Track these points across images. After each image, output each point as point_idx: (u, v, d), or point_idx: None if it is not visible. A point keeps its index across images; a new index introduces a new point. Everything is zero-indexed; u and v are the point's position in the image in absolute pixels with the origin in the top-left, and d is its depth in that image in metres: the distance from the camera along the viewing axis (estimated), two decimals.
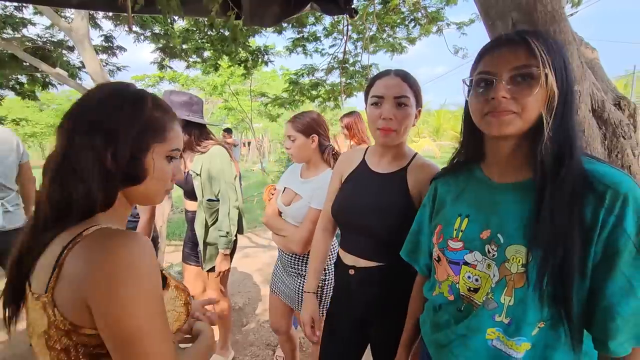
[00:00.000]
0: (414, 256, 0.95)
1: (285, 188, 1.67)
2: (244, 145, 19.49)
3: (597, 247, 0.59)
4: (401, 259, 1.04)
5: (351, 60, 5.59)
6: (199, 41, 4.45)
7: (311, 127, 1.55)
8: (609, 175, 0.60)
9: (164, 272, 0.66)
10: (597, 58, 1.16)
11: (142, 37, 3.88)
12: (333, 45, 5.73)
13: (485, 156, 0.78)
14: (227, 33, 4.18)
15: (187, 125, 1.78)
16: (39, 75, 3.82)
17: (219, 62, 5.10)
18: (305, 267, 1.57)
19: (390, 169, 1.12)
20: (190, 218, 1.98)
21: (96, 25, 3.68)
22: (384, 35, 5.42)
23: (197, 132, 1.84)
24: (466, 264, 0.73)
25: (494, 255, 0.68)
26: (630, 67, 11.47)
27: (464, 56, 5.10)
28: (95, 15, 3.62)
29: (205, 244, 1.91)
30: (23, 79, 4.03)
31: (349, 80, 5.64)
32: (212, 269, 1.95)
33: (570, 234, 0.59)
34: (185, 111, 1.77)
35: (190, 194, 1.90)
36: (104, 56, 3.88)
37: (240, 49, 4.90)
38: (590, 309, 0.61)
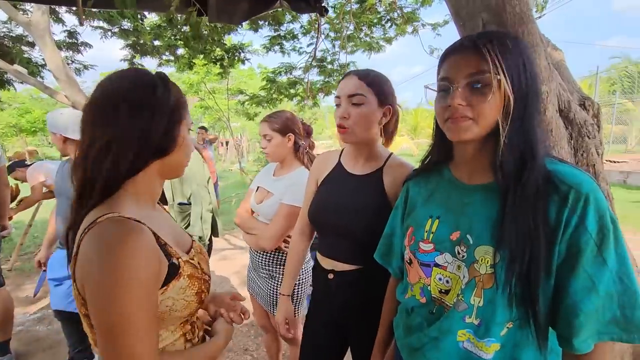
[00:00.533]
0: (387, 259, 0.94)
1: (258, 187, 1.66)
2: (222, 144, 19.14)
3: (561, 246, 0.60)
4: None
5: (329, 59, 5.58)
6: (172, 38, 4.30)
7: (287, 126, 1.55)
8: (572, 176, 0.61)
9: (180, 260, 0.69)
10: (563, 59, 1.19)
11: (109, 33, 3.70)
12: (311, 44, 5.70)
13: (454, 158, 0.78)
14: (203, 31, 4.07)
15: None
16: None
17: (193, 60, 4.97)
18: (277, 267, 1.55)
19: (366, 170, 1.11)
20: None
21: (59, 20, 3.48)
22: (361, 35, 5.44)
23: None
24: (437, 265, 0.73)
25: (463, 256, 0.68)
26: (594, 68, 12.06)
27: (439, 56, 5.20)
28: (57, 9, 3.42)
29: None
30: None
31: (327, 79, 5.63)
32: None
33: (535, 234, 0.60)
34: None
35: (159, 198, 1.82)
36: (68, 53, 3.67)
37: (216, 47, 4.79)
38: (555, 306, 0.62)
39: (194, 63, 5.17)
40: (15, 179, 3.20)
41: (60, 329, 2.65)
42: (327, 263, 1.16)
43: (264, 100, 5.63)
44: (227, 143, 19.21)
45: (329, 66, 5.53)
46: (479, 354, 0.66)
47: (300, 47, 5.82)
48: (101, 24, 3.58)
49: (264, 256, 1.58)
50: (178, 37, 4.24)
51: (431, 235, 0.75)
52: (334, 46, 5.55)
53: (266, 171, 1.73)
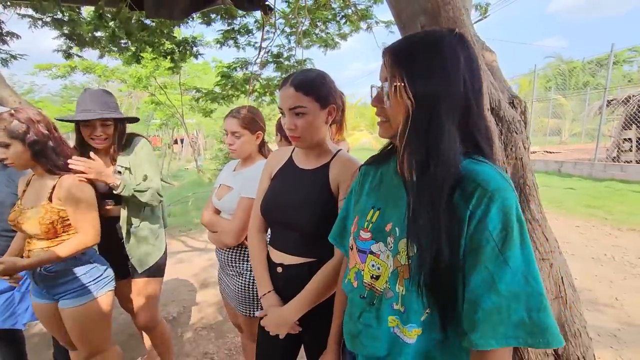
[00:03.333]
0: (340, 240, 0.97)
1: (220, 185, 1.66)
2: (175, 142, 18.29)
3: (466, 241, 0.62)
4: (329, 254, 1.07)
5: (285, 55, 5.53)
6: (116, 29, 4.00)
7: (257, 123, 1.57)
8: (482, 174, 0.63)
9: None
10: (496, 60, 1.28)
11: (39, 22, 3.36)
12: (266, 39, 5.60)
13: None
14: (147, 21, 3.83)
15: (123, 127, 1.72)
16: None
17: (140, 53, 4.67)
18: (243, 264, 1.54)
19: (315, 165, 1.15)
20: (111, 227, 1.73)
21: None
22: (317, 31, 5.45)
23: (126, 133, 1.76)
24: (372, 253, 0.76)
25: (391, 247, 0.72)
26: (532, 66, 13.12)
27: None
28: None
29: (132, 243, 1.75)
30: None
31: (284, 75, 5.58)
32: (144, 273, 1.78)
33: (437, 230, 0.62)
34: (117, 110, 1.69)
35: (110, 195, 1.66)
36: None
37: (165, 40, 4.54)
38: (461, 300, 0.64)
39: (142, 56, 4.87)
40: None
41: None
42: (276, 256, 1.18)
43: (220, 97, 5.46)
44: (182, 140, 18.41)
45: (286, 62, 5.49)
46: (404, 339, 0.70)
47: (256, 42, 5.69)
48: (30, 12, 3.24)
49: (230, 254, 1.56)
50: (121, 27, 3.96)
51: (370, 225, 0.78)
52: (289, 41, 5.51)
53: (227, 168, 1.73)
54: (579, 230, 4.93)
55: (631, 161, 8.65)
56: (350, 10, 5.00)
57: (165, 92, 10.26)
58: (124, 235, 1.70)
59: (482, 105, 0.69)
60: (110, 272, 1.61)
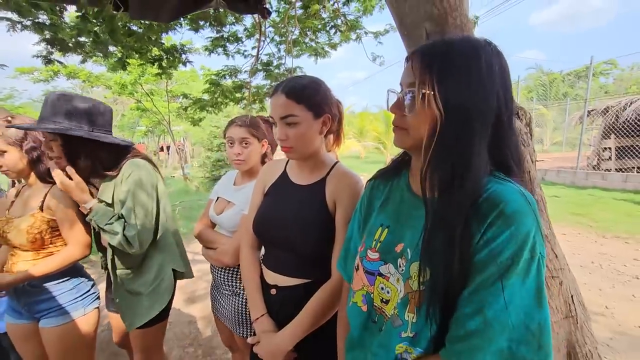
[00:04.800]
0: (344, 264, 0.91)
1: (218, 198, 1.56)
2: (162, 149, 17.98)
3: (470, 262, 0.58)
4: (327, 275, 1.01)
5: (275, 63, 5.50)
6: (100, 34, 3.89)
7: (263, 131, 1.50)
8: (501, 195, 0.58)
9: None
10: None
11: (18, 25, 3.22)
12: (255, 47, 5.56)
13: (411, 166, 0.77)
14: (134, 27, 3.73)
15: (90, 146, 1.31)
16: None
17: (127, 59, 4.56)
18: (239, 283, 1.44)
19: (310, 181, 1.08)
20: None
21: None
22: (307, 40, 5.45)
23: (106, 155, 1.36)
24: (380, 275, 0.71)
25: (402, 270, 0.67)
26: (515, 77, 13.54)
27: (381, 63, 5.40)
28: None
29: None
30: None
31: (274, 83, 5.55)
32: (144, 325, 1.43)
33: (451, 253, 0.57)
34: (86, 124, 1.31)
35: None
36: None
37: (152, 46, 4.45)
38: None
39: (128, 62, 4.75)
40: None
41: None
42: (270, 277, 1.11)
43: (209, 104, 5.37)
44: (168, 148, 18.11)
45: (275, 70, 5.46)
46: (407, 358, 0.66)
47: (245, 50, 5.66)
48: (9, 15, 3.10)
49: (226, 273, 1.46)
50: (106, 32, 3.85)
51: (378, 245, 0.73)
52: (279, 50, 5.48)
53: (226, 180, 1.62)
54: (565, 238, 5.00)
55: (611, 169, 8.92)
56: (339, 21, 5.02)
57: (151, 99, 10.09)
58: (112, 282, 1.41)
59: (513, 121, 0.63)
60: (97, 289, 1.51)
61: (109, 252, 1.36)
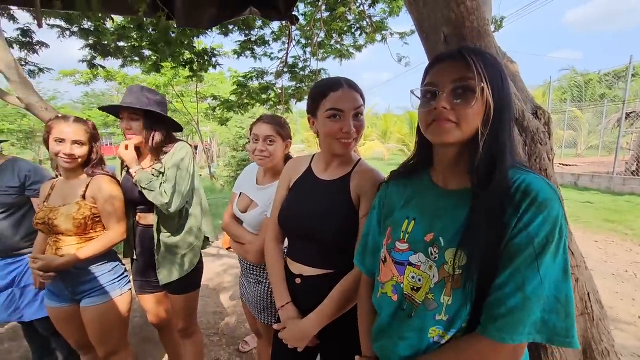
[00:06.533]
0: (361, 259, 0.96)
1: (241, 193, 1.62)
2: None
3: (505, 245, 0.64)
4: (350, 266, 1.05)
5: (301, 65, 5.62)
6: (138, 40, 4.15)
7: (288, 131, 1.54)
8: (531, 184, 0.65)
9: None
10: (518, 71, 1.28)
11: (67, 32, 3.50)
12: (282, 50, 5.71)
13: (434, 163, 0.82)
14: (172, 34, 3.95)
15: (160, 125, 1.65)
16: None
17: (161, 63, 4.82)
18: (263, 272, 1.52)
19: (335, 176, 1.13)
20: (146, 234, 1.68)
21: (10, 17, 3.25)
22: (332, 42, 5.53)
23: (168, 136, 1.70)
24: (411, 264, 0.76)
25: (435, 257, 0.71)
26: (546, 77, 12.96)
27: (407, 64, 5.39)
28: (8, 6, 3.19)
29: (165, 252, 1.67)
30: None
31: (299, 85, 5.67)
32: (176, 289, 1.70)
33: (492, 238, 0.64)
34: (160, 110, 1.64)
35: (145, 203, 1.63)
36: (22, 53, 3.43)
37: (184, 50, 4.67)
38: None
39: (162, 65, 5.01)
40: None
41: (11, 348, 2.47)
42: (295, 268, 1.16)
43: (236, 105, 5.56)
44: (196, 147, 18.73)
45: (301, 72, 5.57)
46: (441, 342, 0.71)
47: (272, 53, 5.82)
48: (59, 22, 3.38)
49: (252, 264, 1.55)
50: (145, 39, 4.10)
51: (407, 236, 0.78)
52: (305, 52, 5.60)
53: (248, 176, 1.65)
54: (597, 245, 4.78)
55: None
56: (365, 23, 5.07)
57: (182, 100, 10.49)
58: (155, 244, 1.65)
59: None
60: (128, 273, 1.66)
61: (155, 218, 1.63)
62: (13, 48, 3.37)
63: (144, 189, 1.54)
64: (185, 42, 4.27)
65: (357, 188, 1.08)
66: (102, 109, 1.72)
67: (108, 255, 1.56)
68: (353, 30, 5.27)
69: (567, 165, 12.17)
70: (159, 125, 1.64)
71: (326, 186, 1.13)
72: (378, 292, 0.84)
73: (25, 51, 3.39)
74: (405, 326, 0.75)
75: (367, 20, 4.95)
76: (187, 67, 4.99)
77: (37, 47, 3.41)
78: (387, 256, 0.81)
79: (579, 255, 1.08)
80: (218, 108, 5.81)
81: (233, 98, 5.73)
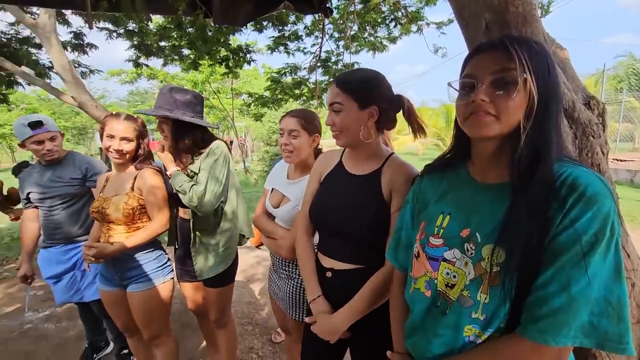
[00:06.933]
0: (394, 254, 0.95)
1: (272, 189, 1.62)
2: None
3: (550, 241, 0.61)
4: (380, 261, 1.04)
5: (333, 59, 5.60)
6: (177, 39, 4.34)
7: (316, 126, 1.50)
8: (580, 177, 0.61)
9: None
10: (568, 58, 1.19)
11: (114, 34, 3.73)
12: (315, 44, 5.72)
13: (471, 156, 0.79)
14: (208, 32, 4.09)
15: (191, 128, 1.60)
16: (3, 74, 3.61)
17: (198, 60, 5.00)
18: (295, 268, 1.53)
19: (365, 171, 1.12)
20: (184, 227, 1.75)
21: (64, 22, 3.52)
22: (365, 34, 5.44)
23: (200, 136, 1.64)
24: (445, 260, 0.73)
25: (471, 253, 0.69)
26: (600, 65, 11.93)
27: (444, 55, 5.19)
28: (63, 11, 3.46)
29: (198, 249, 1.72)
30: None
31: (331, 79, 5.65)
32: (210, 282, 1.74)
33: (533, 234, 0.61)
34: (190, 112, 1.60)
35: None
36: (74, 55, 3.72)
37: (220, 48, 4.81)
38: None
39: (200, 63, 5.21)
40: None
41: (68, 327, 2.71)
42: (326, 261, 1.16)
43: (270, 101, 5.65)
44: (231, 142, 19.33)
45: (334, 66, 5.55)
46: (477, 342, 0.69)
47: (305, 48, 5.84)
48: (107, 25, 3.61)
49: (284, 259, 1.56)
50: (184, 38, 4.27)
51: (441, 231, 0.76)
52: (338, 46, 5.56)
53: (279, 171, 1.65)
54: None
55: None
56: (400, 13, 4.93)
57: (218, 96, 10.84)
58: (191, 239, 1.70)
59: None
60: (171, 262, 1.74)
61: (191, 214, 1.65)
62: (67, 50, 3.65)
63: (178, 191, 1.57)
64: (221, 40, 4.39)
65: (389, 183, 1.05)
66: (137, 112, 1.78)
67: (153, 245, 1.65)
68: (387, 22, 5.15)
69: (622, 161, 11.17)
70: (187, 128, 1.59)
71: (357, 181, 1.12)
72: (411, 287, 0.83)
73: (77, 53, 3.65)
74: (439, 323, 0.73)
75: (402, 10, 4.82)
76: (223, 64, 5.15)
77: (88, 49, 3.67)
78: (420, 251, 0.79)
79: (636, 258, 0.99)
80: (253, 104, 5.94)
81: (267, 94, 5.83)
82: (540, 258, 0.61)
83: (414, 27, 5.03)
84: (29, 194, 1.92)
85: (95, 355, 2.26)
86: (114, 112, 1.66)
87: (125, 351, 2.15)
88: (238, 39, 6.41)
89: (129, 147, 1.58)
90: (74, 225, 1.94)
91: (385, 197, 1.05)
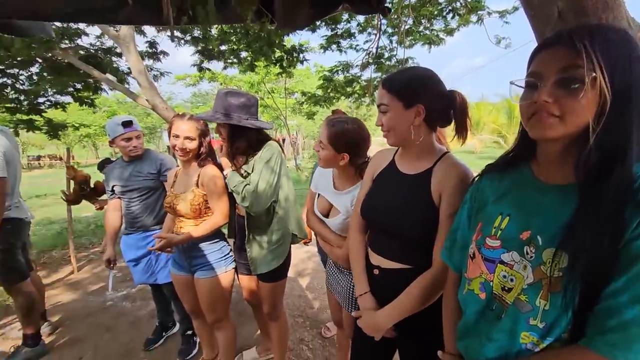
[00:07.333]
0: (449, 254, 0.93)
1: (319, 195, 1.62)
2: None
3: (622, 248, 0.56)
4: (428, 263, 1.03)
5: (386, 55, 5.50)
6: (236, 43, 4.59)
7: (345, 145, 1.41)
8: None
9: None
10: None
11: (182, 41, 4.07)
12: (367, 41, 5.67)
13: (536, 156, 0.75)
14: (262, 34, 4.27)
15: (245, 130, 1.66)
16: (91, 81, 4.13)
17: (255, 62, 5.24)
18: None
19: (417, 170, 1.10)
20: (240, 223, 1.86)
21: (141, 32, 3.92)
22: (420, 28, 5.27)
23: (255, 137, 1.70)
24: (502, 262, 0.70)
25: (531, 257, 0.65)
26: None
27: (507, 46, 4.83)
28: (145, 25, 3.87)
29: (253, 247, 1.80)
30: (78, 85, 4.38)
31: (384, 75, 5.56)
32: (263, 277, 1.83)
33: (604, 241, 0.56)
34: (244, 114, 1.66)
35: None
36: (149, 62, 4.15)
37: (275, 49, 4.99)
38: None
39: (256, 65, 5.45)
40: None
41: (142, 306, 3.03)
42: (374, 259, 1.17)
43: (322, 99, 5.73)
44: (283, 140, 19.92)
45: (387, 62, 5.45)
46: (535, 350, 0.65)
47: (357, 45, 5.81)
48: (177, 33, 3.97)
49: None
50: (242, 42, 4.51)
51: (499, 232, 0.73)
52: (391, 42, 5.46)
53: (324, 176, 1.63)
54: None
55: None
56: (458, 3, 4.69)
57: (272, 96, 11.24)
58: (246, 236, 1.79)
59: None
60: (232, 253, 1.87)
61: (246, 213, 1.74)
62: (143, 59, 4.06)
63: (232, 191, 1.66)
64: (277, 41, 4.56)
65: (439, 183, 1.03)
66: (197, 116, 1.84)
67: (217, 236, 1.79)
68: (444, 14, 4.94)
69: None
70: (241, 130, 1.65)
71: (407, 180, 1.11)
72: (464, 288, 0.81)
73: (152, 60, 4.05)
74: (493, 327, 0.70)
75: (461, 0, 4.58)
76: (278, 64, 5.33)
77: (160, 56, 4.04)
78: (475, 252, 0.77)
79: None
80: (305, 102, 6.07)
81: (319, 92, 5.92)
82: (610, 264, 0.56)
83: (473, 18, 4.75)
84: (113, 186, 2.19)
85: (164, 334, 2.50)
86: (179, 113, 1.79)
87: (190, 332, 2.35)
88: (292, 40, 6.57)
89: (192, 145, 1.70)
90: (149, 216, 2.17)
91: (434, 198, 1.03)
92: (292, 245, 1.87)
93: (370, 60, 5.29)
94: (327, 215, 1.57)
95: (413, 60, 5.40)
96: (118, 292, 3.31)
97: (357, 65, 5.59)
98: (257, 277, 1.87)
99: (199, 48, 4.46)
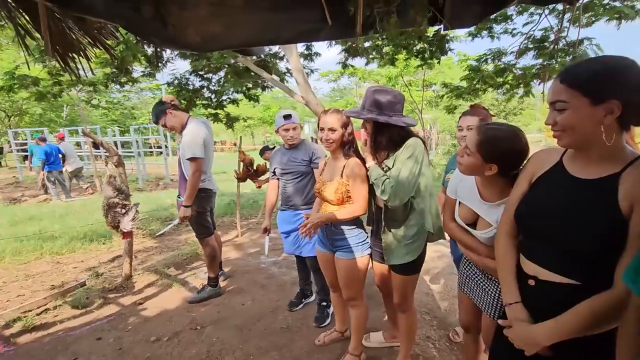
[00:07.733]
0: (634, 277, 0.80)
1: (460, 202, 1.53)
2: None
3: None
4: (601, 280, 0.90)
5: (551, 38, 4.67)
6: (379, 38, 4.72)
7: (496, 155, 1.28)
8: None
9: None
10: None
11: (333, 41, 4.46)
12: (528, 23, 4.93)
13: None
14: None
15: (389, 127, 1.73)
16: (259, 81, 4.99)
17: (396, 56, 5.27)
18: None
19: (597, 174, 0.96)
20: (378, 213, 1.95)
21: None
22: (606, 0, 4.27)
23: (397, 134, 1.76)
24: None
25: None
26: None
27: None
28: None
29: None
30: (249, 85, 5.37)
31: (547, 62, 4.74)
32: (396, 269, 1.87)
33: None
34: (390, 111, 1.73)
35: None
36: (304, 62, 4.72)
37: (417, 41, 4.89)
38: None
39: (396, 58, 5.46)
40: (265, 159, 4.40)
41: (286, 272, 3.57)
42: (529, 267, 1.08)
43: (466, 92, 5.31)
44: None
45: (551, 46, 4.63)
46: None
47: (514, 29, 5.13)
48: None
49: None
50: (384, 36, 4.60)
51: None
52: (561, 22, 4.59)
53: (466, 184, 1.50)
54: None
55: None
56: None
57: (409, 89, 11.02)
58: (382, 228, 1.86)
59: None
60: (369, 240, 2.02)
61: (383, 205, 1.83)
62: (300, 59, 4.65)
63: (373, 183, 1.76)
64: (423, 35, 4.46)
65: (630, 192, 0.88)
66: (346, 113, 1.98)
67: (355, 223, 1.97)
68: None
69: None
70: (385, 127, 1.73)
71: (582, 185, 0.98)
72: None
73: (306, 60, 4.59)
74: None
75: None
76: (419, 56, 5.19)
77: (314, 56, 4.54)
78: None
79: None
80: (446, 95, 5.74)
81: (463, 84, 5.50)
82: None
83: None
84: (274, 169, 2.65)
85: (303, 300, 2.91)
86: (326, 109, 2.01)
87: (324, 303, 2.67)
88: (434, 29, 6.28)
89: (334, 136, 1.88)
90: (299, 197, 2.55)
91: (622, 208, 0.88)
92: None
93: (531, 46, 4.61)
94: (470, 225, 1.49)
95: (590, 41, 4.42)
96: (269, 257, 3.97)
97: (511, 52, 4.95)
98: (389, 267, 1.95)
99: (345, 47, 4.78)
